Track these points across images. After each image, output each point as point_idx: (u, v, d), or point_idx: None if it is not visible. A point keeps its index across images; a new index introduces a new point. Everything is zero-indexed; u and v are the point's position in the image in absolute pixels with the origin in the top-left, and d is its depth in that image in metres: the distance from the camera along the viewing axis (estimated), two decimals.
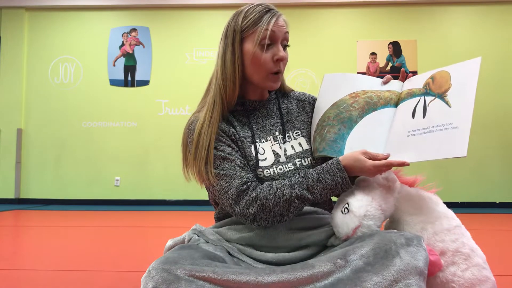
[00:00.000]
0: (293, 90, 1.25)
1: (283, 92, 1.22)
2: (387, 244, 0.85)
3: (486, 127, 5.26)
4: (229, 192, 1.00)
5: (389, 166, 0.95)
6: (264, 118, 1.14)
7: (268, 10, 1.06)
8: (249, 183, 1.00)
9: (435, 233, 0.96)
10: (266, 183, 1.00)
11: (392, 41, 5.51)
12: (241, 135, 1.10)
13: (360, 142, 1.03)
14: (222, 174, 1.02)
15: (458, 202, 5.19)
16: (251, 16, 1.06)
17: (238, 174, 1.01)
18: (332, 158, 1.05)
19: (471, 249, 0.94)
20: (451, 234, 0.95)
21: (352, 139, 1.04)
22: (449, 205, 1.03)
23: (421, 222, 0.97)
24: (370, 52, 5.52)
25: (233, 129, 1.10)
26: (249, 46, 1.06)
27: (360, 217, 0.95)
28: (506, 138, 5.33)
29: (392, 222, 1.03)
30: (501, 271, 1.78)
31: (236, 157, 1.04)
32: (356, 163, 0.96)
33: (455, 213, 1.01)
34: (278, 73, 1.09)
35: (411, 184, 1.05)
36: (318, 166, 1.00)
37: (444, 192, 1.16)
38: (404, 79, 1.12)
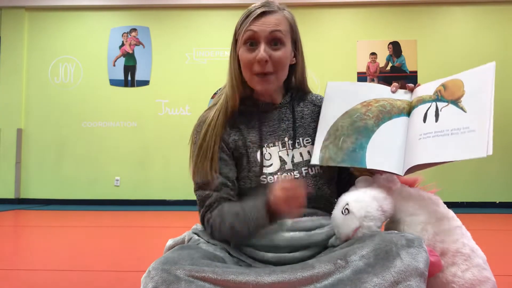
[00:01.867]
0: (311, 92, 1.20)
1: (301, 94, 1.17)
2: (387, 245, 0.85)
3: None
4: (201, 210, 1.08)
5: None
6: (275, 122, 1.11)
7: (257, 7, 1.03)
8: (213, 204, 1.04)
9: (435, 234, 0.95)
10: (220, 206, 1.03)
11: (392, 41, 5.51)
12: (248, 140, 1.08)
13: (379, 152, 1.01)
14: (197, 193, 1.10)
15: (458, 202, 5.19)
16: (242, 16, 1.05)
17: (210, 194, 1.05)
18: (349, 168, 1.07)
19: (471, 249, 0.94)
20: (452, 234, 0.95)
21: (371, 148, 1.02)
22: (449, 205, 1.03)
23: (422, 222, 0.97)
24: (370, 52, 5.52)
25: (235, 136, 1.08)
26: (239, 47, 1.06)
27: (360, 218, 0.95)
28: (506, 138, 5.32)
29: (393, 223, 1.03)
30: (501, 271, 1.78)
31: (221, 172, 1.05)
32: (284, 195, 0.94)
33: (455, 213, 1.01)
34: (265, 75, 1.03)
35: (411, 185, 1.04)
36: (251, 201, 1.00)
37: (444, 192, 1.16)
38: (411, 91, 1.10)
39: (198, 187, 1.08)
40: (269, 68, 1.03)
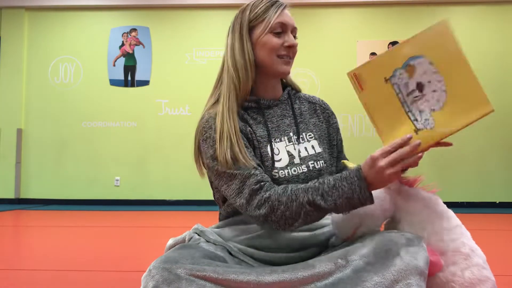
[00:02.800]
0: (301, 90, 1.24)
1: (294, 92, 1.21)
2: (387, 244, 0.85)
3: (486, 127, 5.26)
4: (243, 192, 0.98)
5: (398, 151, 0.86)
6: (278, 118, 1.13)
7: (275, 1, 1.11)
8: (262, 183, 0.97)
9: (435, 233, 0.96)
10: (282, 186, 0.97)
11: (392, 41, 5.51)
12: (257, 134, 1.09)
13: None
14: (236, 174, 0.99)
15: (458, 202, 5.19)
16: (259, 7, 1.10)
17: (252, 173, 0.99)
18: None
19: (471, 249, 0.94)
20: (451, 234, 0.95)
21: None
22: (449, 205, 1.03)
23: (421, 222, 0.97)
24: (370, 52, 5.52)
25: (249, 128, 1.09)
26: (258, 33, 1.10)
27: (360, 217, 0.95)
28: (506, 138, 5.32)
29: (393, 222, 1.03)
30: (501, 271, 1.79)
31: (251, 156, 1.03)
32: (371, 168, 0.88)
33: (455, 213, 1.01)
34: (289, 58, 1.12)
35: (411, 184, 1.04)
36: (338, 174, 0.93)
37: (444, 192, 1.16)
38: None
39: (232, 169, 1.00)
40: (291, 53, 1.12)
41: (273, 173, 1.04)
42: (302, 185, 0.95)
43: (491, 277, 0.92)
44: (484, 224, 3.66)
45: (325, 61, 5.50)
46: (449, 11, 5.52)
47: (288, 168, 1.06)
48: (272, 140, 1.09)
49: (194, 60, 5.61)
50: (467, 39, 5.44)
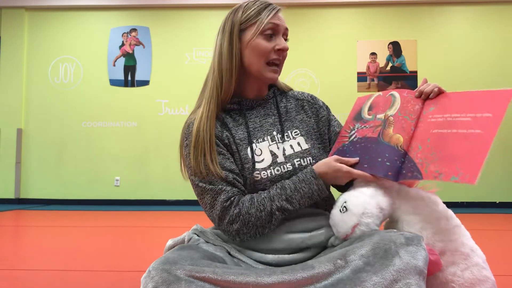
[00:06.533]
0: (291, 89, 1.24)
1: (281, 91, 1.21)
2: (386, 243, 0.85)
3: None
4: (214, 208, 1.02)
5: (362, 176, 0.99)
6: (261, 117, 1.13)
7: (268, 4, 1.10)
8: (232, 198, 1.01)
9: (434, 233, 0.96)
10: (247, 197, 1.01)
11: (392, 41, 5.51)
12: (237, 137, 1.08)
13: None
14: (208, 189, 1.02)
15: (458, 202, 5.19)
16: (251, 9, 1.09)
17: (223, 188, 1.01)
18: None
19: (470, 249, 0.94)
20: (451, 234, 0.95)
21: None
22: (449, 205, 1.03)
23: (421, 222, 0.97)
24: (370, 52, 5.52)
25: (227, 133, 1.08)
26: (249, 35, 1.08)
27: (358, 215, 0.95)
28: (506, 138, 5.32)
29: (392, 222, 1.03)
30: (501, 271, 1.78)
31: (224, 166, 1.03)
32: (330, 169, 1.00)
33: (455, 213, 1.01)
34: (277, 65, 1.10)
35: (410, 184, 1.04)
36: (294, 176, 1.03)
37: (444, 192, 1.16)
38: None
39: (205, 182, 1.03)
40: (282, 57, 1.11)
41: (254, 174, 1.05)
42: (265, 194, 1.00)
43: (490, 277, 0.92)
44: (484, 224, 3.66)
45: (325, 61, 5.50)
46: (449, 11, 5.52)
47: (271, 168, 1.06)
48: (254, 141, 1.09)
49: (194, 60, 5.61)
50: (466, 39, 5.45)
